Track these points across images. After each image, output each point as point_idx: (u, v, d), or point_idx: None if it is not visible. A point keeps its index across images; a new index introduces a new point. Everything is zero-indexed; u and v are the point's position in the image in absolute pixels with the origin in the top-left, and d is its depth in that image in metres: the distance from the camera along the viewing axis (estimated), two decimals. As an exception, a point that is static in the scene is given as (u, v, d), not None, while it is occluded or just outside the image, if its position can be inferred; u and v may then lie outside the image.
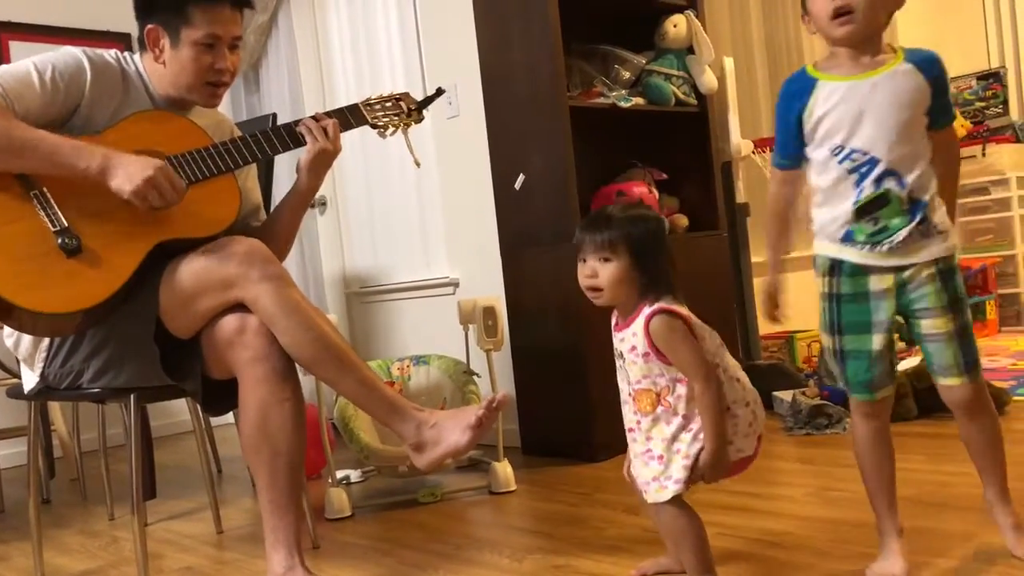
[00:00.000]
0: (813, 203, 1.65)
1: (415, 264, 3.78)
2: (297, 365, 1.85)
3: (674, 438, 1.56)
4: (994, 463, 1.65)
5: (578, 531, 2.15)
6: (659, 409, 1.57)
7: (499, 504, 2.52)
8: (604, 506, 2.35)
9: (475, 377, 2.83)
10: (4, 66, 1.88)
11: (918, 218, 1.54)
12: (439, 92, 2.25)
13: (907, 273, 1.56)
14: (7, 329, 1.92)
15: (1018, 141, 5.12)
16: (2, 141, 1.75)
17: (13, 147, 1.76)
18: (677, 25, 3.28)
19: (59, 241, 1.77)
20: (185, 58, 1.95)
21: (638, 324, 1.57)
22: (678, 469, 1.55)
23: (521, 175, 3.03)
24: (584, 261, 1.61)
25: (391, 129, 2.15)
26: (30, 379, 2.00)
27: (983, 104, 5.31)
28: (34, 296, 1.73)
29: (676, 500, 1.56)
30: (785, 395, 3.14)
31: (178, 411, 4.08)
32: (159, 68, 1.99)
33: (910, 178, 1.54)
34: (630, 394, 1.61)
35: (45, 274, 1.75)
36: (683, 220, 3.29)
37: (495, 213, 3.17)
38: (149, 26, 1.97)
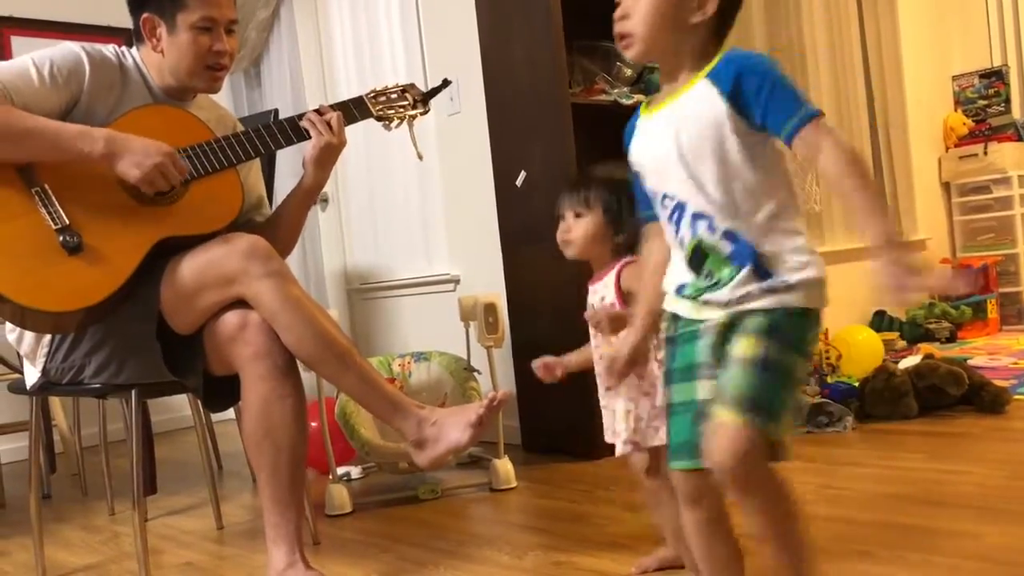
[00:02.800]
0: None
1: (416, 260, 3.78)
2: (298, 362, 1.86)
3: (637, 394, 1.58)
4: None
5: (579, 528, 2.15)
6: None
7: (500, 501, 2.53)
8: (605, 503, 2.35)
9: (476, 374, 2.83)
10: (3, 62, 1.88)
11: (747, 267, 1.21)
12: (445, 83, 2.23)
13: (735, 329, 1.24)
14: (9, 324, 1.92)
15: (1020, 139, 5.11)
16: (3, 130, 1.76)
17: (14, 134, 1.76)
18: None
19: (60, 239, 1.77)
20: (183, 43, 1.95)
21: (610, 276, 1.61)
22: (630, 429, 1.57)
23: (523, 172, 3.03)
24: (562, 218, 1.66)
25: (396, 121, 2.15)
26: (32, 374, 2.00)
27: (985, 102, 5.30)
28: (36, 294, 1.73)
29: (675, 499, 1.57)
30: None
31: (179, 406, 4.08)
32: (158, 58, 1.99)
33: (724, 220, 1.23)
34: (597, 346, 1.65)
35: (46, 272, 1.75)
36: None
37: (496, 210, 3.17)
38: (144, 15, 1.97)
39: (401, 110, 2.14)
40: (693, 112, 1.23)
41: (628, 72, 3.22)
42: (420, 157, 2.24)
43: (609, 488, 2.48)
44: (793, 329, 1.23)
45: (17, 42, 4.13)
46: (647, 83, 3.23)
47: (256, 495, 2.85)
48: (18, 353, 2.06)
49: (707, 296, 1.25)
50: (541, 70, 2.93)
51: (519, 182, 3.05)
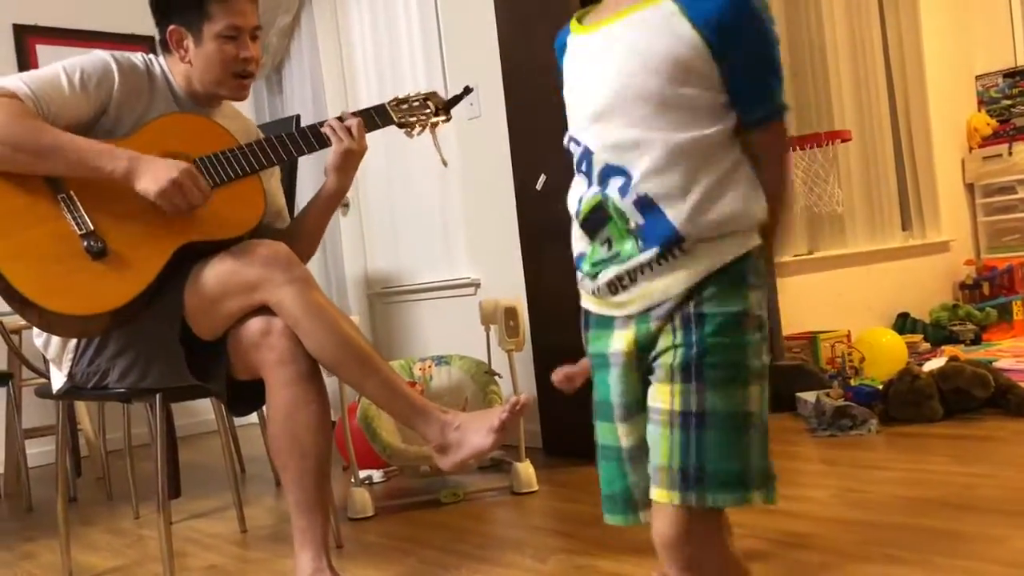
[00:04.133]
0: None
1: (436, 265, 3.79)
2: (321, 367, 1.87)
3: None
4: None
5: (600, 532, 2.14)
6: None
7: (521, 504, 2.53)
8: (626, 507, 2.34)
9: (496, 377, 2.83)
10: (34, 71, 1.91)
11: (655, 249, 0.97)
12: (467, 91, 2.24)
13: (651, 322, 1.00)
14: (36, 329, 1.95)
15: (1045, 139, 5.06)
16: (31, 144, 1.78)
17: (42, 150, 1.79)
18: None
19: (85, 244, 1.79)
20: (211, 53, 1.98)
21: None
22: None
23: (543, 175, 3.03)
24: None
25: (419, 129, 2.15)
26: (58, 379, 2.03)
27: (1009, 102, 5.25)
28: (61, 298, 1.76)
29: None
30: (809, 396, 3.12)
31: (202, 410, 4.12)
32: (185, 68, 2.02)
33: (646, 180, 0.97)
34: None
35: (71, 277, 1.77)
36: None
37: (516, 213, 3.17)
38: (171, 27, 1.99)
39: (423, 118, 2.14)
40: (647, 37, 0.98)
41: (648, 75, 3.21)
42: (445, 164, 2.25)
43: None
44: (706, 347, 0.97)
45: (42, 51, 4.18)
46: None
47: (279, 498, 2.87)
48: (44, 358, 2.08)
49: (599, 273, 1.02)
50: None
51: (539, 185, 3.05)
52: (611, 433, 1.07)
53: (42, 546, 2.58)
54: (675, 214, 0.97)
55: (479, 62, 3.27)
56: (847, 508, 2.13)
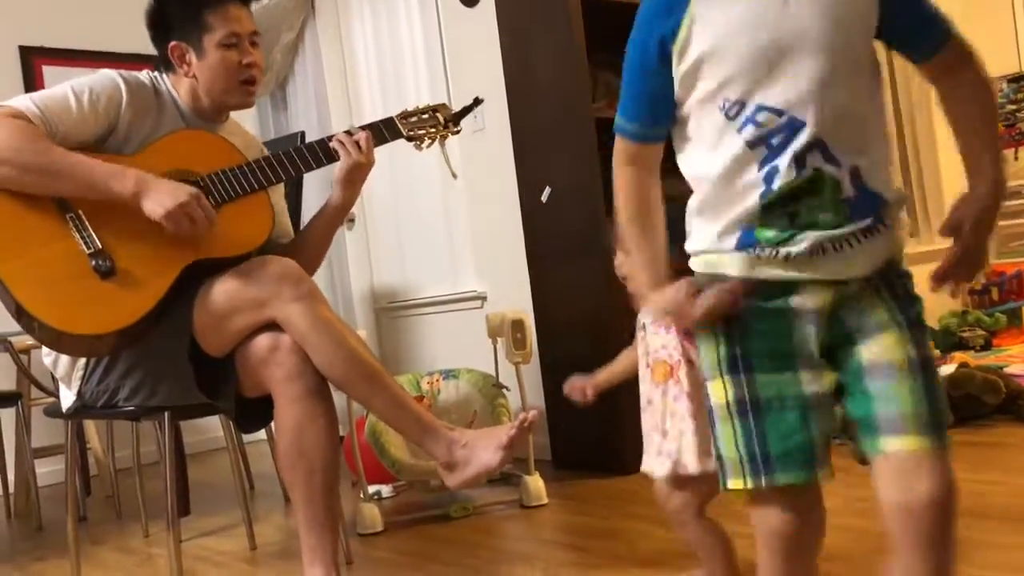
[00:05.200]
0: (689, 206, 1.08)
1: (443, 278, 3.79)
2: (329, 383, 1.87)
3: (680, 414, 1.55)
4: None
5: (611, 544, 2.14)
6: (670, 382, 1.57)
7: (531, 518, 2.52)
8: (637, 519, 2.33)
9: (504, 391, 2.83)
10: (43, 91, 1.93)
11: (867, 222, 0.98)
12: (477, 101, 2.24)
13: (847, 288, 1.01)
14: (45, 348, 1.96)
15: (1051, 144, 5.04)
16: (40, 165, 1.80)
17: (51, 170, 1.80)
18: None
19: (93, 263, 1.80)
20: (214, 63, 1.99)
21: None
22: (677, 449, 1.54)
23: (547, 187, 3.04)
24: (614, 251, 1.64)
25: (427, 141, 2.16)
26: (67, 398, 2.03)
27: (1014, 107, 5.24)
28: (69, 318, 1.76)
29: (702, 519, 1.57)
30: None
31: (211, 428, 4.12)
32: (190, 83, 2.03)
33: (855, 155, 0.97)
34: (647, 364, 1.61)
35: (80, 296, 1.78)
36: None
37: (522, 226, 3.17)
38: (172, 44, 2.01)
39: (432, 130, 2.15)
40: None
41: (651, 86, 3.22)
42: (454, 176, 2.25)
43: (640, 504, 2.47)
44: (917, 306, 1.02)
45: (48, 72, 4.21)
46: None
47: (288, 515, 2.86)
48: (53, 377, 2.08)
49: (791, 240, 0.98)
50: (564, 85, 2.94)
51: (544, 197, 3.05)
52: (790, 383, 1.00)
53: (52, 566, 2.58)
54: (881, 186, 0.99)
55: (482, 75, 3.28)
56: (857, 517, 2.11)
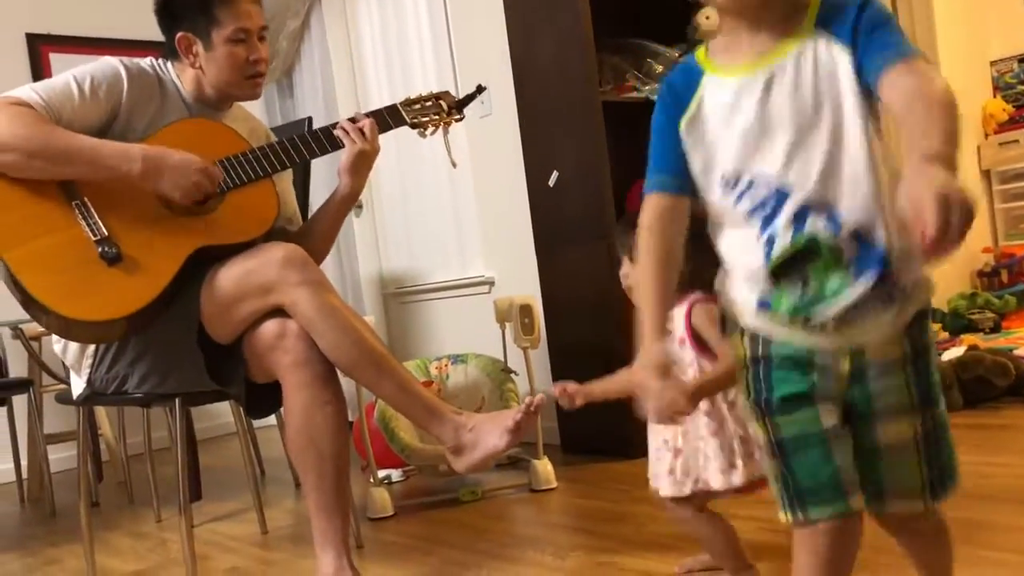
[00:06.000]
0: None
1: (451, 264, 3.79)
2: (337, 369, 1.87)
3: (695, 434, 1.54)
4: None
5: (620, 528, 2.14)
6: None
7: (540, 502, 2.53)
8: (645, 503, 2.34)
9: (513, 375, 2.84)
10: (44, 80, 1.93)
11: (873, 272, 0.99)
12: (480, 89, 2.24)
13: (868, 355, 1.05)
14: (54, 336, 1.97)
15: (1062, 124, 5.01)
16: (45, 149, 1.80)
17: (57, 154, 1.81)
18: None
19: (99, 250, 1.81)
20: (221, 57, 1.99)
21: (679, 311, 1.57)
22: (692, 468, 1.54)
23: (555, 172, 3.03)
24: (620, 261, 1.63)
25: (431, 128, 2.16)
26: (78, 385, 2.04)
27: (1024, 87, 5.20)
28: (77, 305, 1.77)
29: (700, 512, 1.58)
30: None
31: (221, 413, 4.14)
32: (195, 73, 2.03)
33: (850, 210, 1.00)
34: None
35: (87, 283, 1.79)
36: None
37: (529, 211, 3.17)
38: (179, 34, 2.00)
39: (436, 117, 2.15)
40: (810, 71, 1.01)
41: (659, 69, 3.20)
42: (454, 164, 2.25)
43: (648, 488, 2.47)
44: (926, 355, 1.07)
45: (55, 59, 4.21)
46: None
47: (299, 500, 2.88)
48: (64, 364, 2.10)
49: (812, 311, 1.03)
50: (571, 69, 2.93)
51: (552, 182, 3.05)
52: (810, 419, 1.05)
53: (66, 551, 2.60)
54: (883, 239, 1.00)
55: (489, 61, 3.27)
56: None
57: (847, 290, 1.00)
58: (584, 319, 2.97)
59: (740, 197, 1.06)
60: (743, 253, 1.08)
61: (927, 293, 1.05)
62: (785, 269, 1.03)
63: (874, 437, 1.06)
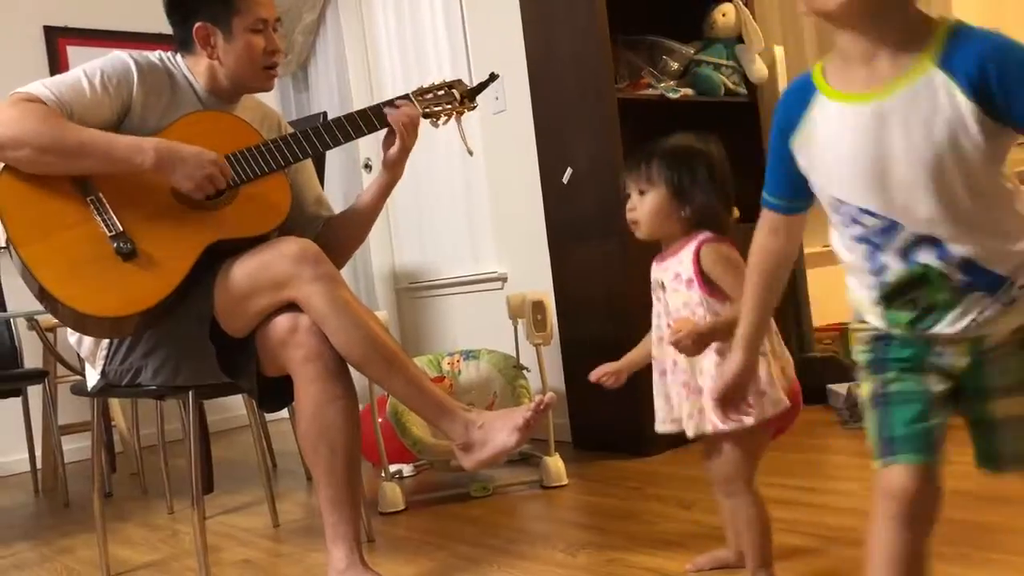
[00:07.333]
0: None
1: (463, 259, 3.79)
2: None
3: (708, 374, 1.52)
4: None
5: (631, 525, 2.14)
6: None
7: (551, 498, 2.53)
8: (656, 500, 2.34)
9: (525, 371, 2.83)
10: (55, 76, 1.94)
11: (979, 292, 1.03)
12: (493, 77, 2.21)
13: (987, 343, 1.07)
14: (70, 328, 1.98)
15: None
16: (57, 144, 1.81)
17: (70, 149, 1.81)
18: (726, 14, 3.24)
19: (114, 246, 1.82)
20: (241, 48, 2.00)
21: (687, 252, 1.55)
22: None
23: (569, 168, 3.03)
24: (628, 195, 1.61)
25: (444, 118, 2.15)
26: (92, 376, 2.05)
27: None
28: (92, 300, 1.78)
29: (751, 491, 1.56)
30: (840, 388, 3.09)
31: (234, 406, 4.16)
32: (210, 65, 2.03)
33: (962, 245, 1.02)
34: (668, 324, 1.58)
35: (102, 278, 1.79)
36: (733, 211, 3.26)
37: (543, 207, 3.16)
38: (197, 25, 2.00)
39: (448, 107, 2.14)
40: (926, 111, 0.98)
41: (674, 66, 3.19)
42: (470, 152, 2.24)
43: (659, 485, 2.47)
44: None
45: (73, 52, 4.23)
46: (693, 77, 3.20)
47: (311, 493, 2.89)
48: (79, 355, 2.11)
49: (926, 330, 1.07)
50: (586, 65, 2.92)
51: (566, 179, 3.04)
52: (918, 382, 1.09)
53: (79, 541, 2.62)
54: (1001, 268, 1.02)
55: (504, 55, 3.26)
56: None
57: (956, 309, 1.04)
58: (597, 316, 2.97)
59: (849, 224, 1.08)
60: (854, 271, 1.11)
61: None
62: (895, 294, 1.07)
63: (989, 412, 1.09)
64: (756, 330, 1.23)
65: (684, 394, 1.56)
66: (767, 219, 1.19)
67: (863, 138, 1.03)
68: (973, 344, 1.07)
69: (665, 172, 1.57)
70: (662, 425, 1.62)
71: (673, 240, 1.60)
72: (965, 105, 0.97)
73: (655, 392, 1.63)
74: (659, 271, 1.62)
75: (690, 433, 1.56)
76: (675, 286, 1.57)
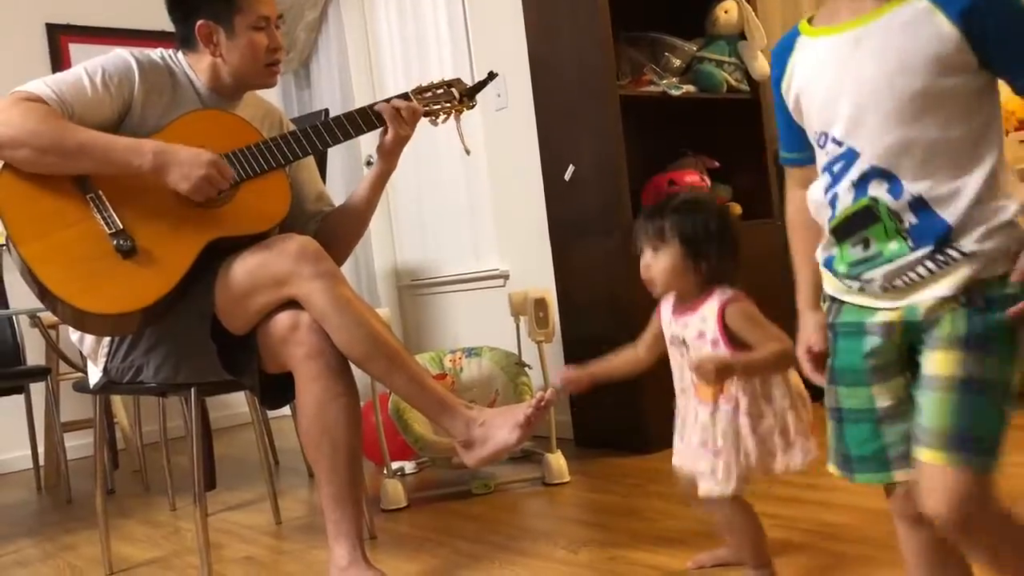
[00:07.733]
0: None
1: (465, 256, 3.79)
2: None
3: (735, 433, 1.52)
4: None
5: (633, 522, 2.14)
6: (720, 399, 1.53)
7: (553, 495, 2.53)
8: (658, 497, 2.34)
9: (527, 369, 2.83)
10: (56, 74, 1.93)
11: (928, 247, 1.00)
12: (491, 76, 2.21)
13: (921, 309, 1.04)
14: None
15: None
16: (57, 144, 1.81)
17: (69, 149, 1.81)
18: (728, 11, 3.23)
19: (114, 243, 1.82)
20: (244, 45, 2.00)
21: (709, 310, 1.54)
22: (734, 466, 1.53)
23: (571, 165, 3.02)
24: (641, 253, 1.61)
25: (443, 116, 2.15)
26: (94, 374, 2.06)
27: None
28: (92, 298, 1.78)
29: (734, 499, 1.56)
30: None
31: (236, 403, 4.16)
32: (212, 62, 2.02)
33: (916, 181, 1.00)
34: (692, 382, 1.58)
35: (102, 276, 1.80)
36: (736, 208, 3.25)
37: (545, 204, 3.16)
38: (199, 23, 2.00)
39: (447, 105, 2.14)
40: (906, 40, 0.98)
41: (676, 63, 3.19)
42: (467, 151, 2.24)
43: (661, 482, 2.47)
44: (991, 325, 1.00)
45: (75, 49, 4.23)
46: (696, 73, 3.19)
47: (313, 490, 2.89)
48: (81, 353, 2.11)
49: (863, 273, 1.06)
50: (588, 62, 2.92)
51: (568, 176, 3.04)
52: (863, 396, 1.10)
53: (82, 538, 2.62)
54: (949, 212, 1.00)
55: (506, 51, 3.26)
56: (882, 499, 2.10)
57: (906, 255, 1.02)
58: (599, 313, 2.97)
59: (819, 152, 1.09)
60: (816, 210, 1.13)
61: (993, 271, 1.00)
62: (848, 230, 1.06)
63: (921, 370, 1.05)
64: (814, 285, 1.20)
65: (701, 453, 1.56)
66: (792, 176, 1.22)
67: (835, 59, 1.05)
68: (906, 309, 1.04)
69: (679, 227, 1.56)
70: (677, 457, 1.64)
71: (688, 296, 1.59)
72: (948, 32, 0.97)
73: (675, 431, 1.64)
74: (677, 326, 1.60)
75: (702, 492, 1.56)
76: (699, 344, 1.55)
